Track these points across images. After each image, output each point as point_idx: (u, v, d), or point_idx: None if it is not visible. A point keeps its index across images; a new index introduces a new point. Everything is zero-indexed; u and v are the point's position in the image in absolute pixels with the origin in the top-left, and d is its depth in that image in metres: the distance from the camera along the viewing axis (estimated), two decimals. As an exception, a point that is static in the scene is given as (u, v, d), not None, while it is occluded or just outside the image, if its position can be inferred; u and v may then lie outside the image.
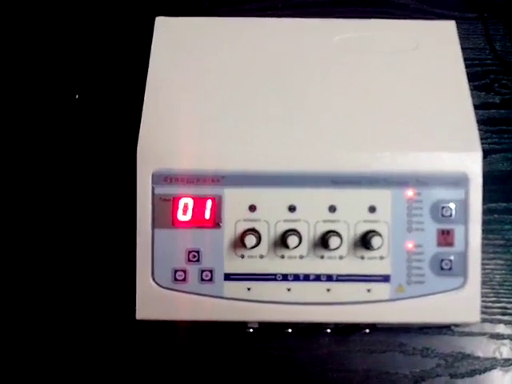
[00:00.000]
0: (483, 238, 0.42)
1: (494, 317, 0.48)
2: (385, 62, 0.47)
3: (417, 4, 0.56)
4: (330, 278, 0.42)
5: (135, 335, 0.48)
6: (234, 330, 0.47)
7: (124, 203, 0.46)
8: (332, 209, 0.42)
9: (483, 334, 0.48)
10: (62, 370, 0.48)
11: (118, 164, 0.49)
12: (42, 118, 0.52)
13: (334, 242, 0.41)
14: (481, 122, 0.51)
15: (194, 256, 0.42)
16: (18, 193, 0.50)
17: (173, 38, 0.48)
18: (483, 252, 0.42)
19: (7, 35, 0.54)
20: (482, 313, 0.43)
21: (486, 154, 0.50)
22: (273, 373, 0.48)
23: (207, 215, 0.42)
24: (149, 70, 0.46)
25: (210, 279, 0.42)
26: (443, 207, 0.42)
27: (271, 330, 0.47)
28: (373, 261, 0.42)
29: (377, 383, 0.47)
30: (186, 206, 0.42)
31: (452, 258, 0.42)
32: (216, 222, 0.42)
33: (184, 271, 0.42)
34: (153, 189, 0.42)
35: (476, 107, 0.45)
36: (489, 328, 0.48)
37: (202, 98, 0.45)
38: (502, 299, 0.49)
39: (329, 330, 0.45)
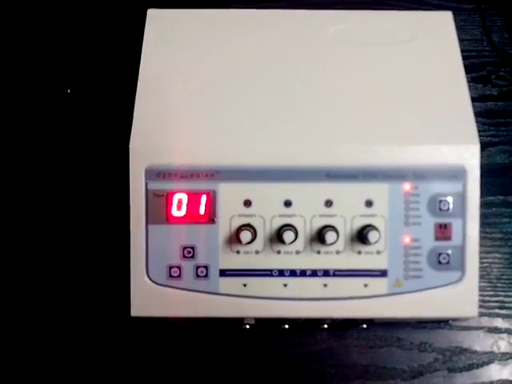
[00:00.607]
0: (481, 232, 0.42)
1: (491, 311, 0.48)
2: (381, 53, 0.47)
3: (413, -5, 0.56)
4: (326, 273, 0.42)
5: (130, 332, 0.47)
6: (231, 326, 0.47)
7: (117, 199, 0.46)
8: (328, 203, 0.42)
9: (481, 328, 0.48)
10: (57, 366, 0.47)
11: (110, 160, 0.49)
12: (33, 113, 0.51)
13: (330, 236, 0.41)
14: (478, 114, 0.51)
15: (189, 252, 0.42)
16: (10, 189, 0.50)
17: (165, 31, 0.47)
18: (481, 246, 0.42)
19: (-2, 29, 0.54)
20: (480, 307, 0.43)
21: (484, 146, 0.50)
22: (270, 369, 0.48)
23: (202, 211, 0.42)
24: (141, 63, 0.45)
25: (206, 275, 0.42)
26: (441, 201, 0.42)
27: (268, 327, 0.47)
28: (370, 255, 0.42)
29: (375, 378, 0.47)
30: (180, 202, 0.42)
31: (450, 252, 0.42)
32: (211, 218, 0.42)
33: (179, 267, 0.42)
34: (146, 185, 0.42)
35: (473, 99, 0.44)
36: (486, 322, 0.48)
37: (195, 92, 0.44)
38: (500, 293, 0.48)
39: (326, 326, 0.44)
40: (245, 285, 0.42)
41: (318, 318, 0.43)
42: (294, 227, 0.42)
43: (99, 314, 0.48)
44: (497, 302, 0.48)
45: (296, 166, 0.42)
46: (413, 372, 0.47)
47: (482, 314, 0.48)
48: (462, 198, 0.42)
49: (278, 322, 0.44)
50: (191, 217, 0.42)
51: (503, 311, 0.48)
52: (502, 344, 0.48)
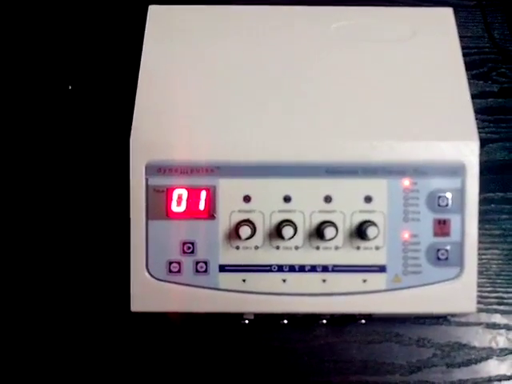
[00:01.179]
0: (480, 228, 0.42)
1: (490, 307, 0.48)
2: (381, 49, 0.46)
3: (415, -8, 0.56)
4: (325, 268, 0.42)
5: (130, 327, 0.48)
6: (230, 321, 0.47)
7: (117, 195, 0.46)
8: (327, 199, 0.42)
9: (479, 324, 0.48)
10: (57, 362, 0.48)
11: (111, 155, 0.49)
12: (34, 109, 0.52)
13: (329, 232, 0.41)
14: (478, 111, 0.51)
15: (189, 247, 0.42)
16: (10, 185, 0.50)
17: (166, 27, 0.48)
18: (480, 242, 0.42)
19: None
20: (479, 303, 0.43)
21: (484, 143, 0.50)
22: (269, 364, 0.48)
23: (202, 206, 0.42)
24: (142, 59, 0.46)
25: (205, 271, 0.42)
26: (440, 197, 0.42)
27: (267, 322, 0.47)
28: (369, 251, 0.42)
29: (373, 373, 0.47)
30: (180, 197, 0.42)
31: (448, 247, 0.42)
32: (211, 213, 0.42)
33: (178, 263, 0.42)
34: (146, 180, 0.42)
35: (473, 96, 0.44)
36: (485, 318, 0.48)
37: (196, 88, 0.45)
38: (499, 289, 0.49)
39: (325, 321, 0.44)
40: (244, 280, 0.42)
41: (317, 313, 0.43)
42: (293, 223, 0.42)
43: (99, 309, 0.48)
44: (495, 297, 0.48)
45: (295, 162, 0.42)
46: (411, 367, 0.47)
47: (480, 310, 0.48)
48: (460, 194, 0.42)
49: (277, 317, 0.44)
50: (191, 212, 0.42)
51: (502, 307, 0.48)
52: (501, 340, 0.48)
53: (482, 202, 0.43)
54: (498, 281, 0.49)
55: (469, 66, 0.46)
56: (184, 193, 0.42)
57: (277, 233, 0.42)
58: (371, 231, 0.41)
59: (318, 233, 0.42)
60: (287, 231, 0.41)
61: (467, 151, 0.42)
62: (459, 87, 0.45)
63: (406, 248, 0.42)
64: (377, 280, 0.42)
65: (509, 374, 0.48)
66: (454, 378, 0.47)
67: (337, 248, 0.42)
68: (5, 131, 0.51)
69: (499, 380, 0.47)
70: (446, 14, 0.49)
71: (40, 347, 0.48)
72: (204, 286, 0.42)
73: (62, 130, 0.51)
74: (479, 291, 0.43)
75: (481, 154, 0.42)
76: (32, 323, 0.48)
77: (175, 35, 0.47)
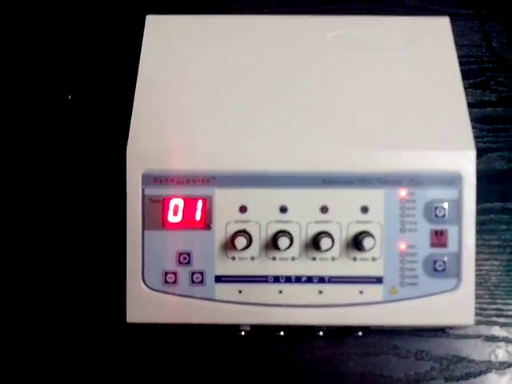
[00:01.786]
0: (479, 239, 0.42)
1: (489, 319, 0.48)
2: (378, 59, 0.46)
3: (412, 1, 0.56)
4: (322, 279, 0.42)
5: (126, 338, 0.47)
6: (226, 333, 0.47)
7: (114, 204, 0.46)
8: (324, 209, 0.42)
9: (478, 337, 0.48)
10: (52, 373, 0.47)
11: (108, 165, 0.49)
12: (34, 118, 0.52)
13: (325, 243, 0.41)
14: (477, 120, 0.51)
15: (185, 258, 0.42)
16: (8, 193, 0.50)
17: (163, 37, 0.48)
18: (479, 253, 0.42)
19: (-2, 36, 0.54)
20: (477, 315, 0.43)
21: (482, 152, 0.50)
22: (266, 377, 0.47)
23: (198, 216, 0.42)
24: (139, 69, 0.46)
25: (201, 281, 0.42)
26: (436, 207, 0.42)
27: (263, 333, 0.46)
28: (365, 262, 0.42)
29: (371, 386, 0.47)
30: (176, 207, 0.42)
31: (446, 259, 0.42)
32: (207, 224, 0.42)
33: (174, 273, 0.42)
34: (143, 190, 0.42)
35: (472, 105, 0.44)
36: (484, 330, 0.48)
37: (193, 98, 0.45)
38: (498, 301, 0.48)
39: (322, 333, 0.44)
40: (240, 291, 0.42)
41: (314, 325, 0.43)
42: (289, 233, 0.41)
43: (95, 320, 0.48)
44: (494, 309, 0.48)
45: (292, 172, 0.42)
46: (409, 380, 0.47)
47: (479, 322, 0.47)
48: (457, 204, 0.42)
49: (274, 328, 0.44)
50: (187, 222, 0.42)
51: (501, 319, 0.48)
52: (500, 353, 0.47)
53: (481, 212, 0.43)
54: (497, 292, 0.48)
55: (467, 75, 0.46)
56: (180, 203, 0.42)
57: (273, 243, 0.41)
58: (368, 242, 0.41)
59: (315, 243, 0.41)
60: (283, 242, 0.41)
61: (464, 161, 0.42)
62: (456, 96, 0.44)
63: (402, 259, 0.42)
64: (373, 291, 0.42)
65: (508, 387, 0.47)
66: (453, 392, 0.47)
67: (333, 259, 0.42)
68: (4, 140, 0.51)
69: (499, 394, 0.47)
70: (443, 24, 0.49)
71: (35, 357, 0.47)
72: (200, 297, 0.42)
73: (61, 139, 0.51)
74: (478, 303, 0.43)
75: (479, 164, 0.41)
76: (27, 333, 0.48)
77: (173, 45, 0.47)
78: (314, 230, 0.42)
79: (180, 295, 0.42)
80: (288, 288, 0.42)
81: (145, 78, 0.45)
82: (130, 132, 0.43)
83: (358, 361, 0.47)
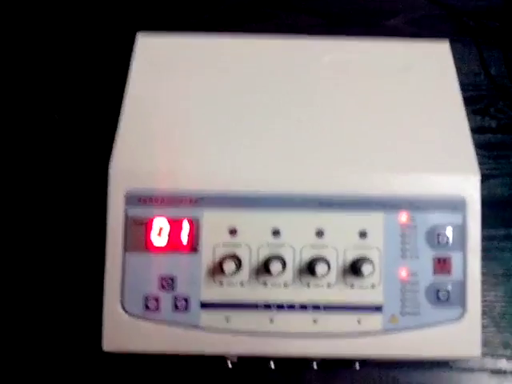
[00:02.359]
0: (483, 267, 0.39)
1: (495, 351, 0.45)
2: (379, 82, 0.45)
3: (409, 29, 0.55)
4: (316, 307, 0.39)
5: (102, 368, 0.44)
6: (212, 364, 0.44)
7: (94, 224, 0.43)
8: (319, 233, 0.39)
9: (484, 370, 0.45)
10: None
11: (91, 183, 0.46)
12: (20, 136, 0.50)
13: (321, 268, 0.38)
14: (477, 146, 0.48)
15: (168, 283, 0.39)
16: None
17: (153, 55, 0.46)
18: (483, 281, 0.39)
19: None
20: (483, 346, 0.40)
21: (484, 178, 0.47)
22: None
23: (184, 239, 0.39)
24: (127, 86, 0.44)
25: (185, 308, 0.39)
26: (439, 234, 0.39)
27: (252, 365, 0.43)
28: (364, 290, 0.39)
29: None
30: (160, 229, 0.39)
31: (449, 287, 0.39)
32: (193, 247, 0.39)
33: (156, 299, 0.39)
34: (125, 210, 0.39)
35: (472, 131, 0.42)
36: (490, 363, 0.45)
37: (181, 117, 0.42)
38: (504, 332, 0.45)
39: (315, 365, 0.41)
40: (228, 319, 0.39)
41: (307, 356, 0.40)
42: (282, 258, 0.39)
43: (69, 347, 0.44)
44: (501, 341, 0.45)
45: (285, 193, 0.39)
46: (410, 418, 0.44)
47: (485, 355, 0.44)
48: (462, 230, 0.39)
49: (264, 360, 0.41)
50: (172, 245, 0.39)
51: (508, 351, 0.45)
52: (507, 388, 0.44)
53: (484, 239, 0.40)
54: (503, 323, 0.45)
55: (467, 102, 0.44)
56: (165, 224, 0.39)
57: (264, 268, 0.39)
58: (366, 268, 0.38)
59: (309, 269, 0.39)
60: (275, 267, 0.38)
61: (468, 185, 0.40)
62: (458, 120, 0.43)
63: (403, 287, 0.39)
64: (372, 321, 0.39)
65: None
66: (457, 431, 0.43)
67: (329, 286, 0.39)
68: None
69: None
70: (443, 47, 0.47)
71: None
72: (184, 325, 0.39)
73: (46, 157, 0.49)
74: (483, 334, 0.40)
75: (481, 190, 0.39)
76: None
77: (162, 64, 0.45)
78: (309, 254, 0.39)
79: (162, 322, 0.39)
80: (280, 316, 0.39)
81: (132, 96, 0.43)
82: (114, 150, 0.40)
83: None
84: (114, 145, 0.40)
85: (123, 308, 0.39)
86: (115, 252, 0.39)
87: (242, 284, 0.39)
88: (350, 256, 0.39)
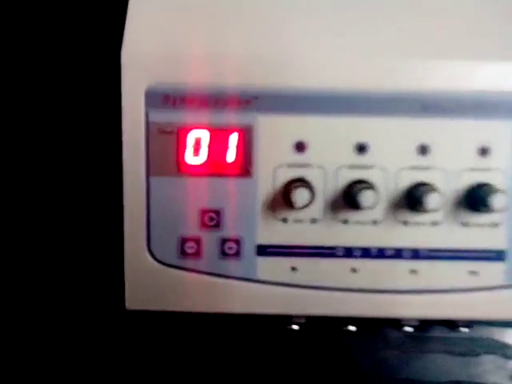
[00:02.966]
0: None
1: None
2: None
3: None
4: (416, 254, 0.29)
5: (126, 330, 0.34)
6: (272, 326, 0.34)
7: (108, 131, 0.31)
8: (423, 149, 0.28)
9: None
10: (45, 367, 0.35)
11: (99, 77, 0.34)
12: None
13: (428, 199, 0.27)
14: None
15: (212, 219, 0.28)
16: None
17: None
18: None
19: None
20: None
21: None
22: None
23: (231, 157, 0.28)
24: None
25: (236, 253, 0.29)
26: None
27: (325, 327, 0.34)
28: (481, 229, 0.29)
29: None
30: (198, 143, 0.28)
31: None
32: (245, 168, 0.28)
33: (197, 241, 0.28)
34: (147, 115, 0.28)
35: None
36: None
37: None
38: None
39: (409, 329, 0.31)
40: (294, 268, 0.29)
41: (401, 317, 0.30)
42: (370, 184, 0.28)
43: (86, 305, 0.34)
44: None
45: (373, 93, 0.28)
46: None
47: None
48: None
49: (340, 321, 0.31)
50: (215, 166, 0.28)
51: None
52: None
53: None
54: None
55: None
56: (205, 136, 0.28)
57: (345, 199, 0.28)
58: (493, 200, 0.27)
59: (409, 200, 0.28)
60: (363, 197, 0.27)
61: None
62: None
63: (537, 225, 0.28)
64: (491, 271, 0.29)
65: None
66: None
67: (435, 224, 0.28)
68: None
69: None
70: None
71: (25, 350, 0.35)
72: (234, 276, 0.29)
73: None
74: None
75: None
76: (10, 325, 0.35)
77: None
78: (409, 179, 0.28)
79: (205, 273, 0.29)
80: (365, 265, 0.29)
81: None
82: (126, 32, 0.28)
83: (450, 362, 0.34)
84: (126, 25, 0.28)
85: (151, 254, 0.29)
86: (135, 176, 0.28)
87: (313, 221, 0.28)
88: (466, 182, 0.28)
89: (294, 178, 0.28)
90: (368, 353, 0.34)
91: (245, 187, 0.28)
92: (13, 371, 0.36)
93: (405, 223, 0.29)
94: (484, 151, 0.28)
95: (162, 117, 0.28)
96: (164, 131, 0.28)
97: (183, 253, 0.29)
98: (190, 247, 0.29)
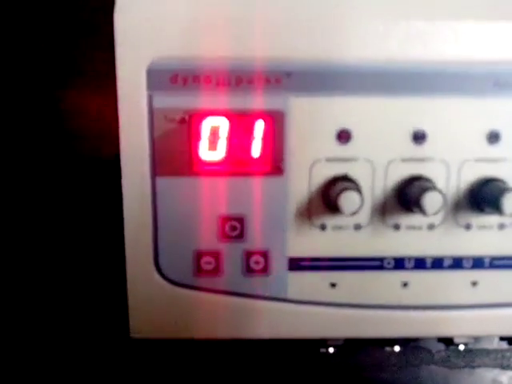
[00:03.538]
0: None
1: None
2: None
3: None
4: (479, 262, 0.24)
5: (131, 362, 0.28)
6: (305, 349, 0.28)
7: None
8: (493, 137, 0.23)
9: None
10: None
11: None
12: None
13: (505, 200, 0.22)
14: None
15: (234, 228, 0.23)
16: None
17: None
18: None
19: None
20: None
21: None
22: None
23: (256, 151, 0.22)
24: None
25: (264, 269, 0.23)
26: None
27: (363, 348, 0.28)
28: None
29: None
30: (215, 133, 0.22)
31: None
32: (274, 165, 0.23)
33: (215, 255, 0.23)
34: (150, 99, 0.22)
35: None
36: None
37: None
38: None
39: (462, 347, 0.27)
40: (333, 284, 0.24)
41: (457, 336, 0.25)
42: (428, 181, 0.23)
43: (90, 334, 0.28)
44: None
45: (431, 69, 0.22)
46: None
47: None
48: None
49: (384, 342, 0.26)
50: (237, 162, 0.23)
51: None
52: None
53: None
54: None
55: None
56: (223, 124, 0.22)
57: (398, 199, 0.23)
58: None
59: (474, 199, 0.23)
60: (426, 198, 0.22)
61: None
62: None
63: None
64: None
65: None
66: None
67: (501, 227, 0.23)
68: None
69: None
70: None
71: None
72: (262, 296, 0.23)
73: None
74: None
75: None
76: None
77: None
78: (474, 173, 0.23)
79: (226, 292, 0.24)
80: (419, 277, 0.24)
81: None
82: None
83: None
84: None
85: (159, 272, 0.23)
86: (137, 178, 0.22)
87: (357, 227, 0.23)
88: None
89: (336, 175, 0.23)
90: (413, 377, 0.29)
91: (274, 188, 0.23)
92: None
93: (467, 227, 0.24)
94: None
95: (169, 101, 0.22)
96: (172, 119, 0.22)
97: (199, 270, 0.23)
98: (208, 263, 0.23)
